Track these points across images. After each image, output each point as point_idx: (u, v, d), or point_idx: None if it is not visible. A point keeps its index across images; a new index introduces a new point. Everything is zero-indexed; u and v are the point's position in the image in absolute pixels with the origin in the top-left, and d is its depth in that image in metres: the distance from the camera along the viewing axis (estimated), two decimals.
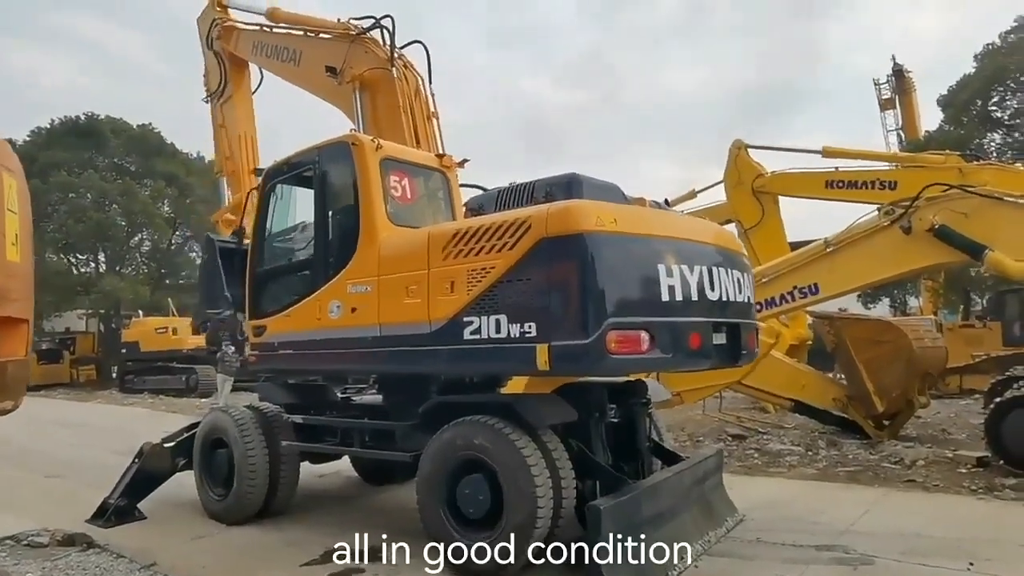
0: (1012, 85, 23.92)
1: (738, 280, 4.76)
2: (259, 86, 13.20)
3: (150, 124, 34.65)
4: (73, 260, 32.79)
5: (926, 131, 26.45)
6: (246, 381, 17.30)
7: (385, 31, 8.58)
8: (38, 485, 8.19)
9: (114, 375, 24.97)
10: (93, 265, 33.12)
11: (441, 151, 6.81)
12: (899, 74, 28.92)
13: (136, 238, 33.77)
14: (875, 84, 30.29)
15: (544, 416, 4.55)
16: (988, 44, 26.26)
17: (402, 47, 8.59)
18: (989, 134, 24.90)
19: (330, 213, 5.50)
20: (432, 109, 8.62)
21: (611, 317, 3.89)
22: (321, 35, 10.12)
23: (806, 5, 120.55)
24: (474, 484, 4.48)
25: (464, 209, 5.22)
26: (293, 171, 5.93)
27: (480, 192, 6.51)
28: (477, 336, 4.30)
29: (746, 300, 4.95)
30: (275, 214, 6.18)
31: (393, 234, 5.07)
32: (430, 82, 8.50)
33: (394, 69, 8.43)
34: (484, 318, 4.27)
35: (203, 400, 19.87)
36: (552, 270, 4.05)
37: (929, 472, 7.90)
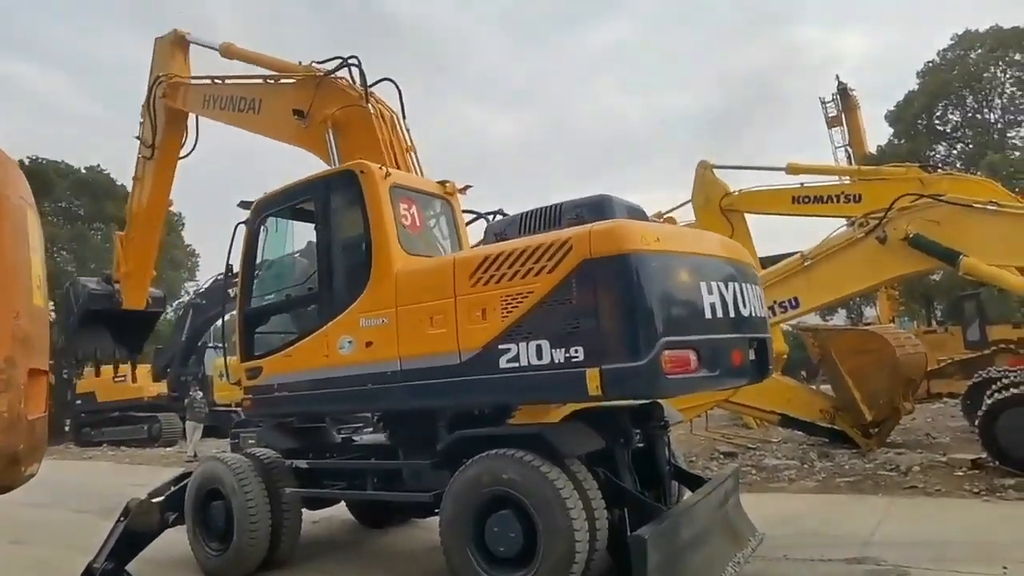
0: (954, 99, 25.24)
1: (759, 295, 4.73)
2: (191, 152, 12.99)
3: (98, 166, 33.76)
4: None
5: (878, 145, 27.59)
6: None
7: (354, 69, 8.61)
8: (5, 552, 7.57)
9: (67, 428, 23.61)
10: None
11: None
12: (844, 92, 30.12)
13: None
14: (821, 103, 31.49)
15: (574, 446, 4.38)
16: (928, 61, 27.72)
17: (372, 84, 8.57)
18: (934, 146, 26.15)
19: (336, 244, 5.28)
20: (408, 143, 8.58)
21: (663, 336, 3.78)
22: (281, 80, 10.02)
23: (739, 32, 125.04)
24: (504, 521, 4.25)
25: (489, 234, 5.03)
26: (290, 202, 5.72)
27: (474, 217, 6.40)
28: (515, 364, 4.13)
29: (765, 314, 4.92)
30: (267, 249, 5.92)
31: (409, 263, 4.88)
32: (404, 116, 8.51)
33: (369, 105, 8.38)
34: (522, 344, 4.10)
35: (168, 449, 18.99)
36: (599, 291, 3.92)
37: (927, 477, 7.97)
